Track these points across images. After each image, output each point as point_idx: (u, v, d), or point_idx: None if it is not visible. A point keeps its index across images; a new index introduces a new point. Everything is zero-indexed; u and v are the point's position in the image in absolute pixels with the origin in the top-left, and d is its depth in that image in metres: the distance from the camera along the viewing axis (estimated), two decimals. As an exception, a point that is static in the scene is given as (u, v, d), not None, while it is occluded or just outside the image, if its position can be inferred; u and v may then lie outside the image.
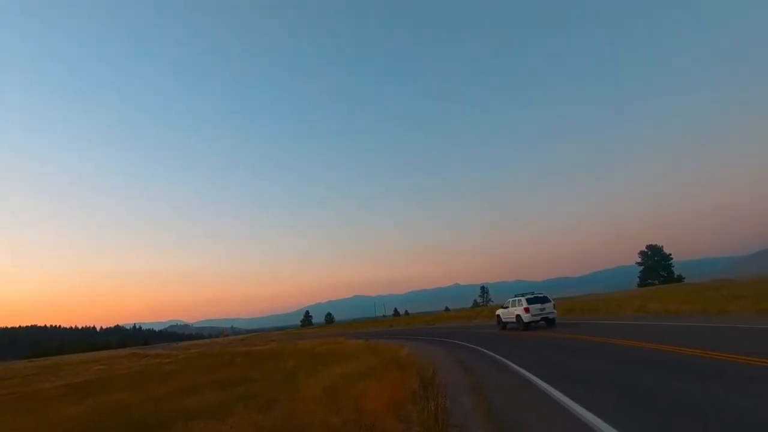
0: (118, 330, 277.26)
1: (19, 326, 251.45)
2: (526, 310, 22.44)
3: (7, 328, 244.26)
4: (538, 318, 22.48)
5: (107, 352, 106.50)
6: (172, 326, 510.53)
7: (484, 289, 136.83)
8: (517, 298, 24.03)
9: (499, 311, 26.54)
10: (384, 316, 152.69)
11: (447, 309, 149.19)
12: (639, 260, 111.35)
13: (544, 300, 22.89)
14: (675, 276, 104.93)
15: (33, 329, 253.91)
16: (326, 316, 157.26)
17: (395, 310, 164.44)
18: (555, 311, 23.07)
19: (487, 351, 15.03)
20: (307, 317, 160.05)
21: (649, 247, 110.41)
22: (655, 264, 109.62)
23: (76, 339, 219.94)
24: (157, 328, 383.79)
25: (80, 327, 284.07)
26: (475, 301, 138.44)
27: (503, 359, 12.31)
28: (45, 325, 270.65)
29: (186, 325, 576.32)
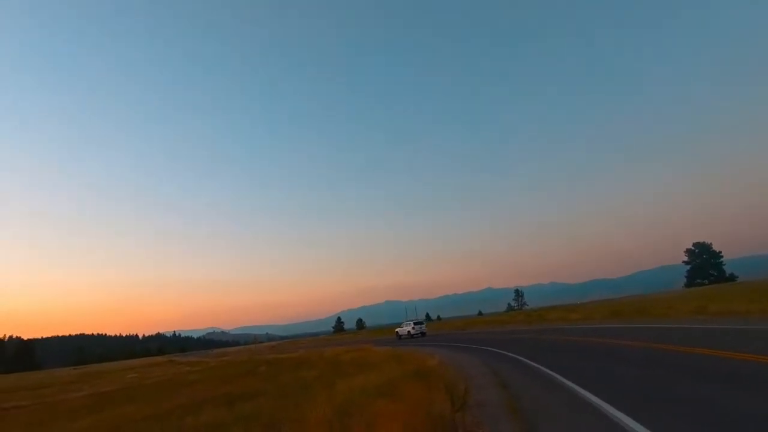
0: (158, 337, 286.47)
1: (69, 335, 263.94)
2: (412, 328, 42.52)
3: (58, 336, 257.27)
4: (418, 333, 41.80)
5: (146, 359, 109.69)
6: (209, 333, 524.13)
7: (518, 293, 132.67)
8: (407, 321, 45.46)
9: (397, 329, 46.62)
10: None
11: (480, 313, 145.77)
12: (686, 259, 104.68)
13: (421, 323, 45.44)
14: (726, 275, 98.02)
15: (81, 337, 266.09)
16: (357, 322, 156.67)
17: (427, 315, 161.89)
18: (425, 329, 43.75)
19: (529, 362, 12.61)
20: (339, 323, 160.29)
21: (697, 245, 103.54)
22: (704, 262, 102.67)
23: (120, 346, 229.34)
24: (195, 336, 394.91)
25: (124, 335, 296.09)
26: (509, 304, 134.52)
27: (551, 372, 9.93)
28: (92, 333, 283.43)
29: (223, 332, 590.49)
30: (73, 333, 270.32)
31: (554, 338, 19.26)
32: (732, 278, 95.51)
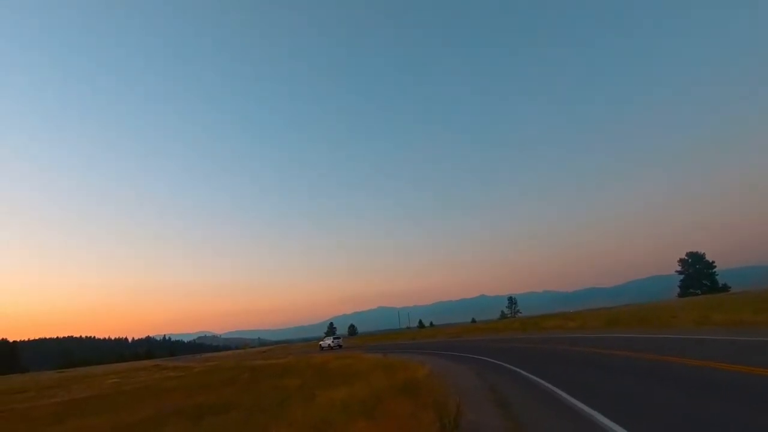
0: (148, 341, 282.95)
1: (57, 337, 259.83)
2: (332, 341, 56.23)
3: (46, 338, 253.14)
4: (336, 345, 54.13)
5: (132, 363, 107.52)
6: (201, 337, 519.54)
7: (512, 300, 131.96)
8: (327, 337, 65.34)
9: (320, 342, 61.20)
10: (408, 327, 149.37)
11: (473, 321, 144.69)
12: (679, 269, 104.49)
13: (339, 338, 62.46)
14: (719, 285, 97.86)
15: (69, 340, 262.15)
16: (349, 328, 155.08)
17: (420, 321, 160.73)
18: (342, 342, 57.44)
19: (529, 375, 11.13)
20: (331, 329, 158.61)
21: (690, 254, 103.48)
22: (697, 272, 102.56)
23: (109, 350, 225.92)
24: (186, 339, 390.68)
25: (113, 338, 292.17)
26: (502, 312, 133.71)
27: (559, 391, 8.47)
28: (80, 336, 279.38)
29: (215, 336, 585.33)
30: (62, 335, 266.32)
31: (554, 348, 18.09)
32: (725, 288, 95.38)
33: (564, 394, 8.05)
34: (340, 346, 53.31)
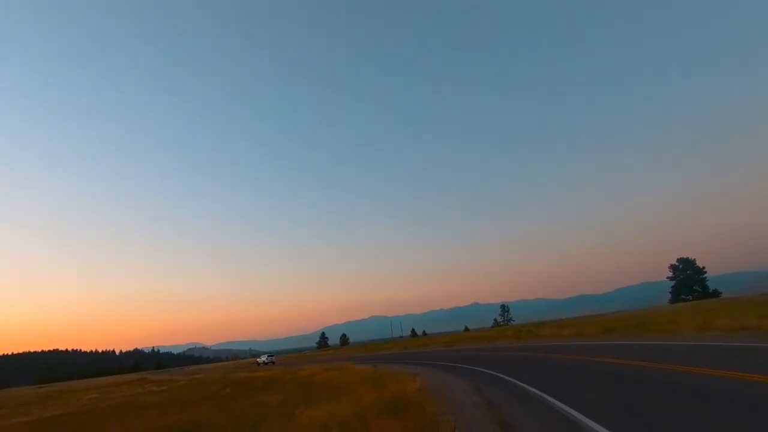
0: (136, 353, 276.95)
1: (41, 351, 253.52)
2: (266, 358, 66.17)
3: (29, 352, 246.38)
4: (269, 362, 62.36)
5: (117, 377, 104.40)
6: (191, 349, 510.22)
7: (504, 308, 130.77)
8: (261, 355, 79.88)
9: (256, 359, 75.04)
10: (401, 336, 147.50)
11: (467, 329, 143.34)
12: (670, 275, 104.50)
13: (272, 355, 74.22)
14: (710, 291, 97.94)
15: (54, 353, 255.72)
16: (341, 338, 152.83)
17: (413, 330, 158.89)
18: (275, 359, 67.15)
19: (533, 389, 9.64)
20: (323, 339, 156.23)
21: (681, 260, 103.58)
22: (688, 278, 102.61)
23: (95, 363, 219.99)
24: (176, 351, 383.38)
25: (100, 351, 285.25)
26: (495, 320, 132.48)
27: (571, 410, 6.95)
28: (66, 350, 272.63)
29: (205, 348, 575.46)
30: (47, 349, 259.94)
31: (554, 357, 16.94)
32: (716, 294, 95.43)
33: (577, 414, 6.54)
34: (273, 363, 62.79)
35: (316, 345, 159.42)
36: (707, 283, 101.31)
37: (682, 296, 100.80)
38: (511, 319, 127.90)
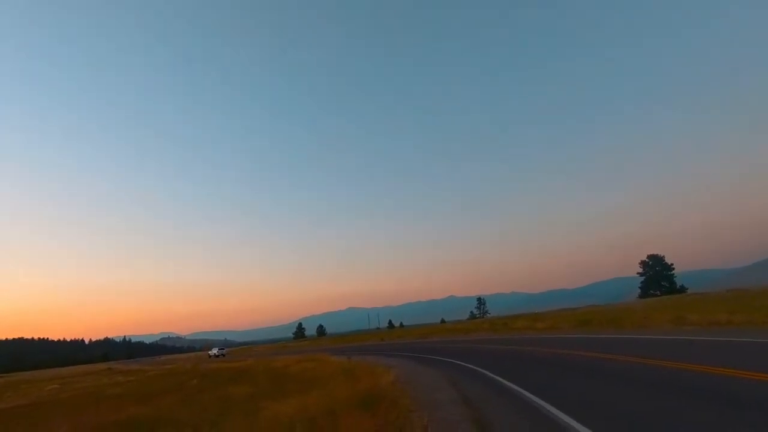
0: (107, 343, 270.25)
1: (6, 339, 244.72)
2: (218, 350, 71.35)
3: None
4: (220, 354, 68.38)
5: (84, 366, 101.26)
6: (164, 338, 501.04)
7: (480, 301, 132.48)
8: (214, 347, 79.36)
9: (208, 352, 77.86)
10: (378, 328, 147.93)
11: (443, 321, 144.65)
12: (640, 271, 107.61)
13: (223, 348, 79.15)
14: (677, 287, 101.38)
15: (19, 342, 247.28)
16: (318, 329, 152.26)
17: (390, 322, 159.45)
18: (225, 352, 73.73)
19: (509, 383, 9.32)
20: (300, 330, 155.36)
21: (651, 257, 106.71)
22: (657, 274, 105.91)
23: (63, 352, 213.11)
24: (148, 341, 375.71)
25: (69, 340, 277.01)
26: (471, 312, 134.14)
27: (546, 404, 6.77)
28: (32, 338, 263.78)
29: (179, 338, 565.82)
30: (11, 337, 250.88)
31: (529, 350, 16.90)
32: (682, 290, 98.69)
33: (562, 415, 6.05)
34: (223, 355, 67.87)
35: (292, 335, 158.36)
36: (674, 279, 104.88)
37: (651, 291, 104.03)
38: (486, 311, 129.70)
